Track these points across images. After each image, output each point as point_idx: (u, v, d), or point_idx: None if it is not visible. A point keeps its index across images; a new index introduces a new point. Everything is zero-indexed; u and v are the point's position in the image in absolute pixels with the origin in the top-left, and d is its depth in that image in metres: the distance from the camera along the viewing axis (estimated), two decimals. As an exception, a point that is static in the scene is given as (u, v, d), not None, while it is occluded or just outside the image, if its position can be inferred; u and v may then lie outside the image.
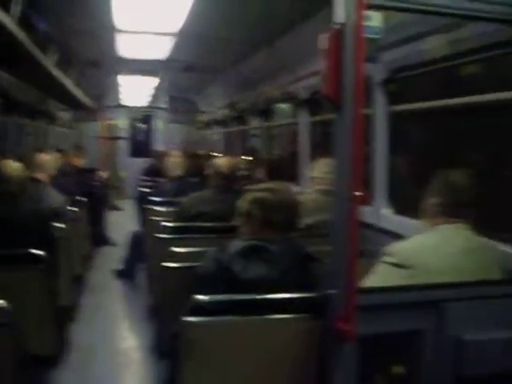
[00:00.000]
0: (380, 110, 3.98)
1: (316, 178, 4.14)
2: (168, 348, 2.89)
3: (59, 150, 8.03)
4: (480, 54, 3.13)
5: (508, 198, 3.36)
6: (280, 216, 2.50)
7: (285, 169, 5.23)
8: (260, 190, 2.61)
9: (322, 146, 6.00)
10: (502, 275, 2.57)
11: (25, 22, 4.03)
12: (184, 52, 7.02)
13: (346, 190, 2.04)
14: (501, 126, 3.35)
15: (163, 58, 7.46)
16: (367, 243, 3.63)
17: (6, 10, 3.43)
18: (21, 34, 3.77)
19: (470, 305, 2.34)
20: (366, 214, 3.92)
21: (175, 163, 5.93)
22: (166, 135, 14.41)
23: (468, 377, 2.32)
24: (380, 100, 3.98)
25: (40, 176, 4.74)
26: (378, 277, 2.52)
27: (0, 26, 3.30)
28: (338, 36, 2.01)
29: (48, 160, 4.94)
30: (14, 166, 3.50)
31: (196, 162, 7.66)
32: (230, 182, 4.23)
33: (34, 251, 3.06)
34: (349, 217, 2.04)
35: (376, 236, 3.90)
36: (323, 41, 2.05)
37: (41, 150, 6.57)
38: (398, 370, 2.25)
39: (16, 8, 3.70)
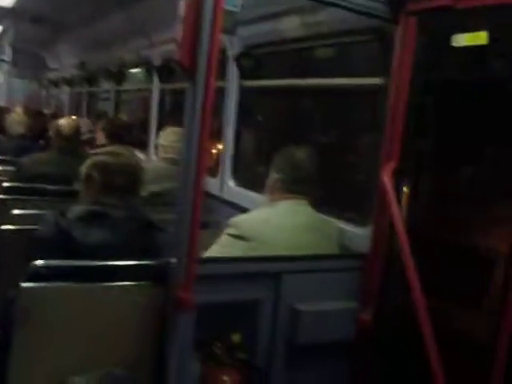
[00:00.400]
0: (232, 83, 4.02)
1: (163, 146, 4.10)
2: (2, 314, 2.74)
3: None
4: (332, 39, 3.25)
5: (348, 177, 3.55)
6: (121, 180, 2.44)
7: (128, 134, 5.11)
8: (102, 153, 2.54)
9: (172, 115, 5.95)
10: (337, 250, 2.73)
11: None
12: (33, 2, 6.60)
13: (193, 160, 2.04)
14: (345, 109, 3.52)
15: (9, 5, 6.96)
16: (212, 214, 3.69)
17: None
18: None
19: (306, 277, 2.48)
20: (213, 185, 3.97)
21: (17, 121, 5.58)
22: (7, 90, 13.50)
23: (302, 344, 2.46)
24: (233, 74, 4.01)
25: None
26: (220, 247, 2.57)
27: None
28: (197, 4, 1.99)
29: None
30: None
31: (40, 122, 7.27)
32: (73, 145, 4.07)
33: None
34: (193, 187, 2.05)
35: (221, 208, 3.96)
36: (182, 7, 2.03)
37: None
38: (236, 338, 2.31)
39: None
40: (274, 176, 2.72)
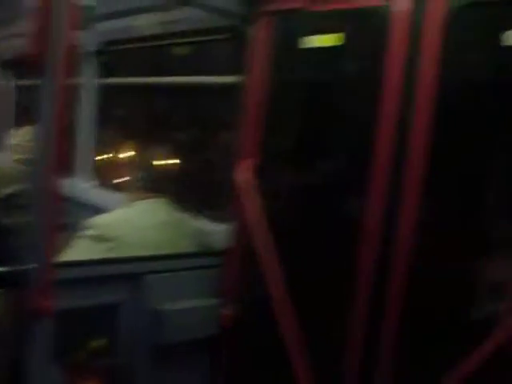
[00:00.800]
0: (89, 80, 3.90)
1: (16, 146, 3.88)
2: None
3: None
4: (189, 37, 3.25)
5: (207, 174, 3.57)
6: None
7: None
8: None
9: (28, 113, 5.67)
10: (196, 248, 2.74)
11: None
12: None
13: (47, 160, 1.95)
14: (204, 107, 3.53)
15: None
16: (67, 216, 3.56)
17: None
18: None
19: (166, 276, 2.47)
20: (67, 186, 3.81)
21: None
22: None
23: (167, 344, 2.44)
24: (90, 71, 3.90)
25: None
26: (78, 250, 2.49)
27: None
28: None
29: None
30: None
31: None
32: None
33: None
34: (47, 187, 1.97)
35: (77, 209, 3.82)
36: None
37: None
38: (98, 343, 2.25)
39: None
40: (133, 175, 2.69)
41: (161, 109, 4.00)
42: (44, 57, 1.92)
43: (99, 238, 2.46)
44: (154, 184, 2.66)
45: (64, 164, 2.03)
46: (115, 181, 3.64)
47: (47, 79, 1.93)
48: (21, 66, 5.35)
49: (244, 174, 2.47)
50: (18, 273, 2.07)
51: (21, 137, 3.88)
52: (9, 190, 3.52)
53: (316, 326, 2.29)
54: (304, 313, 2.30)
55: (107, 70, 3.96)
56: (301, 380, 2.26)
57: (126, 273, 2.36)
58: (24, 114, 5.56)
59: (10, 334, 2.15)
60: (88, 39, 3.83)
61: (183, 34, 3.24)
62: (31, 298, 2.01)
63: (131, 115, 4.41)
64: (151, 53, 3.88)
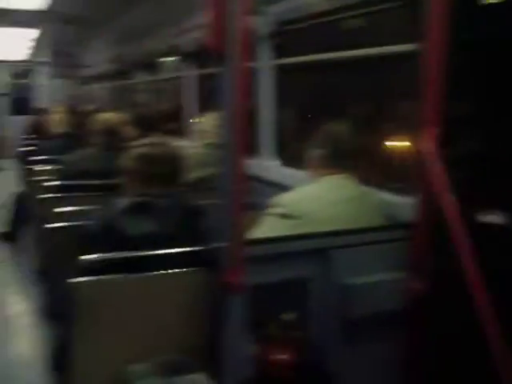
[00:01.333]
0: (265, 63, 3.98)
1: (203, 131, 4.09)
2: (57, 310, 2.81)
3: None
4: (361, 8, 3.19)
5: (389, 146, 3.50)
6: (162, 170, 2.45)
7: (156, 123, 5.13)
8: (140, 145, 2.54)
9: (209, 100, 5.95)
10: (382, 221, 2.70)
11: None
12: (65, 3, 6.68)
13: (232, 143, 2.03)
14: (382, 79, 3.46)
15: (42, 8, 7.06)
16: (254, 196, 3.69)
17: None
18: None
19: (353, 251, 2.45)
20: (253, 166, 3.96)
21: (58, 120, 5.68)
22: (48, 91, 13.77)
23: (355, 319, 2.44)
24: (265, 53, 3.98)
25: None
26: (265, 228, 2.56)
27: None
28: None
29: None
30: None
31: (79, 119, 7.38)
32: (114, 139, 4.10)
33: None
34: (235, 169, 2.04)
35: (262, 188, 3.94)
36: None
37: None
38: (288, 317, 2.31)
39: None
40: (316, 152, 2.70)
41: (338, 84, 3.98)
42: (223, 44, 2.00)
43: (286, 216, 2.51)
44: (339, 160, 2.65)
45: (249, 145, 2.09)
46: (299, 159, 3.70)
47: (228, 65, 2.00)
48: (202, 55, 5.65)
49: (427, 143, 2.38)
50: (212, 251, 2.20)
51: (206, 122, 4.09)
52: (199, 174, 3.73)
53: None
54: (499, 288, 2.17)
55: (281, 51, 4.01)
56: (499, 360, 2.13)
57: (313, 248, 2.39)
58: (207, 102, 5.86)
59: (207, 309, 2.29)
60: (262, 22, 3.92)
61: (355, 6, 3.18)
62: (224, 275, 2.11)
63: (310, 93, 4.45)
64: (322, 30, 3.87)
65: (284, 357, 2.26)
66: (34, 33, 9.47)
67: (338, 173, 2.65)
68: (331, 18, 3.44)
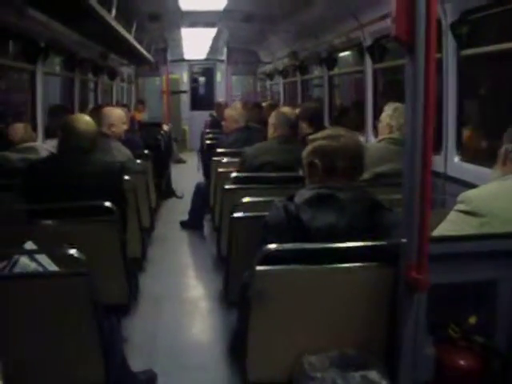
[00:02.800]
0: (450, 54, 3.82)
1: (383, 126, 4.01)
2: (236, 297, 2.92)
3: (123, 105, 8.12)
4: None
5: None
6: (343, 163, 2.43)
7: (334, 117, 5.13)
8: (321, 138, 2.54)
9: (386, 94, 5.85)
10: None
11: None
12: (242, 1, 6.92)
13: (419, 138, 1.97)
14: None
15: (222, 8, 7.37)
16: (436, 192, 3.56)
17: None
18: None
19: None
20: (435, 162, 3.82)
21: (237, 114, 5.89)
22: (227, 87, 14.39)
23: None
24: (450, 43, 3.81)
25: (108, 131, 4.77)
26: (450, 225, 2.46)
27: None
28: (411, -27, 1.92)
29: (116, 115, 4.92)
30: (85, 121, 3.45)
31: (258, 113, 7.64)
32: (295, 132, 4.18)
33: (106, 203, 3.12)
34: (422, 165, 1.98)
35: (445, 185, 3.80)
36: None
37: (107, 106, 6.70)
38: (472, 320, 2.21)
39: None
40: (506, 147, 2.54)
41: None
42: (410, 35, 1.94)
43: (471, 213, 2.39)
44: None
45: (434, 140, 2.02)
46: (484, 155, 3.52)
47: (415, 57, 1.95)
48: (379, 50, 5.56)
49: None
50: (393, 247, 2.16)
51: (386, 117, 4.01)
52: (379, 169, 3.68)
53: None
54: None
55: (466, 41, 3.82)
56: None
57: (503, 249, 2.25)
58: (384, 96, 5.76)
59: (386, 304, 2.26)
60: (445, 11, 3.76)
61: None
62: (407, 272, 2.07)
63: (499, 86, 4.20)
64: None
65: (466, 363, 2.16)
66: (212, 32, 9.90)
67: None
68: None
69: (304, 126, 4.89)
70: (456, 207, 2.47)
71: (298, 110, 5.20)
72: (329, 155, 2.44)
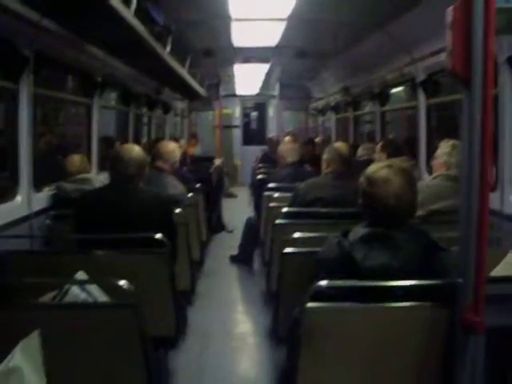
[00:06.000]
0: (506, 89, 3.74)
1: (441, 163, 3.94)
2: (285, 334, 2.88)
3: (175, 139, 8.24)
4: None
5: None
6: (396, 201, 2.33)
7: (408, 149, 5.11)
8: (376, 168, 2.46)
9: (440, 130, 5.78)
10: None
11: (142, 14, 4.14)
12: (295, 37, 6.99)
13: (476, 175, 1.92)
14: None
15: (274, 44, 7.46)
16: (493, 231, 3.46)
17: (126, 3, 3.52)
18: (139, 27, 3.88)
19: None
20: (491, 199, 3.71)
21: (289, 150, 5.90)
22: (278, 122, 14.49)
23: None
24: (506, 79, 3.74)
25: (162, 165, 4.80)
26: (508, 266, 2.38)
27: (120, 19, 3.39)
28: (467, 6, 1.89)
29: (170, 149, 4.95)
30: (131, 149, 3.49)
31: (310, 149, 7.66)
32: (348, 168, 4.14)
33: (157, 236, 3.15)
34: (479, 203, 1.93)
35: (502, 223, 3.69)
36: (449, 13, 1.94)
37: (161, 140, 6.82)
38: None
39: (133, 1, 3.81)
40: None
41: None
42: (467, 70, 1.91)
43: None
44: None
45: (491, 177, 1.97)
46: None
47: (471, 92, 1.91)
48: (432, 85, 5.50)
49: None
50: (449, 287, 2.09)
51: (442, 154, 3.93)
52: (435, 206, 3.61)
53: None
54: None
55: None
56: None
57: None
58: (437, 132, 5.68)
59: (440, 347, 2.18)
60: (500, 46, 3.70)
61: None
62: (462, 313, 2.00)
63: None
64: None
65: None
66: (264, 67, 10.02)
67: None
68: None
69: (381, 158, 4.95)
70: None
71: (350, 145, 5.24)
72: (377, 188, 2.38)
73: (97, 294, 2.47)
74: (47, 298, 2.42)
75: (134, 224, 3.25)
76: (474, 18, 1.88)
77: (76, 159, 4.88)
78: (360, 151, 6.28)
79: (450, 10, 1.94)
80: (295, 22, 5.96)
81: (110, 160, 3.46)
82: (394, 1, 4.79)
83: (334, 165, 4.13)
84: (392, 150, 5.21)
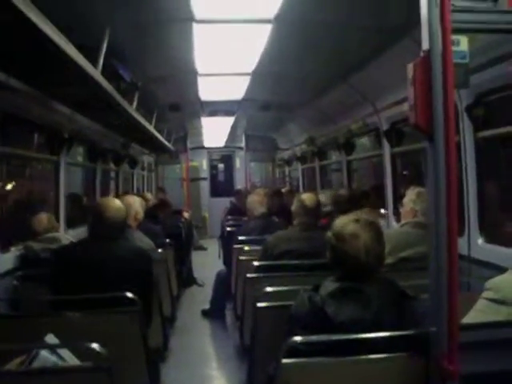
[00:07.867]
0: (467, 136, 3.85)
1: (407, 211, 3.99)
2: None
3: (139, 195, 8.18)
4: None
5: None
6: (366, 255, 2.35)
7: (354, 202, 5.16)
8: (343, 224, 2.46)
9: (405, 178, 5.87)
10: None
11: (109, 72, 4.18)
12: (259, 91, 7.13)
13: (443, 221, 1.95)
14: None
15: (240, 97, 7.59)
16: (461, 276, 3.49)
17: (93, 61, 3.56)
18: (106, 84, 3.90)
19: None
20: (461, 245, 3.77)
21: (257, 201, 5.91)
22: (245, 174, 14.57)
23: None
24: (467, 126, 3.85)
25: (131, 221, 4.67)
26: (479, 314, 2.37)
27: (88, 77, 3.42)
28: (426, 63, 1.97)
29: (128, 203, 4.66)
30: (116, 208, 3.42)
31: (278, 200, 7.67)
32: (315, 218, 4.16)
33: (128, 294, 3.10)
34: (447, 249, 1.95)
35: (470, 268, 3.74)
36: (410, 69, 2.01)
37: (127, 194, 6.78)
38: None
39: (100, 59, 3.85)
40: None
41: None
42: (429, 122, 1.97)
43: (500, 301, 2.30)
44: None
45: (458, 223, 2.00)
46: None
47: (434, 142, 1.96)
48: (395, 134, 5.62)
49: None
50: (422, 336, 2.09)
51: (408, 202, 3.99)
52: (404, 254, 3.64)
53: None
54: None
55: (482, 123, 3.86)
56: None
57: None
58: (402, 180, 5.78)
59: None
60: (461, 95, 3.82)
61: None
62: (438, 361, 1.99)
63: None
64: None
65: None
66: (230, 120, 10.15)
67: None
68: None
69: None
70: (484, 294, 2.38)
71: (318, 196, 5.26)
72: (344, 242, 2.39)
73: (67, 357, 2.40)
74: (14, 364, 2.32)
75: (113, 279, 3.20)
76: (433, 73, 1.95)
77: (43, 218, 4.82)
78: (323, 199, 6.28)
79: (410, 66, 2.01)
80: (259, 76, 6.09)
81: (93, 215, 3.39)
82: (355, 53, 4.94)
83: (300, 217, 4.14)
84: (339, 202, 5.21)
